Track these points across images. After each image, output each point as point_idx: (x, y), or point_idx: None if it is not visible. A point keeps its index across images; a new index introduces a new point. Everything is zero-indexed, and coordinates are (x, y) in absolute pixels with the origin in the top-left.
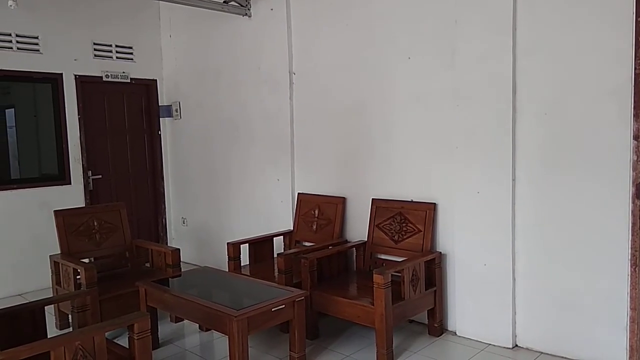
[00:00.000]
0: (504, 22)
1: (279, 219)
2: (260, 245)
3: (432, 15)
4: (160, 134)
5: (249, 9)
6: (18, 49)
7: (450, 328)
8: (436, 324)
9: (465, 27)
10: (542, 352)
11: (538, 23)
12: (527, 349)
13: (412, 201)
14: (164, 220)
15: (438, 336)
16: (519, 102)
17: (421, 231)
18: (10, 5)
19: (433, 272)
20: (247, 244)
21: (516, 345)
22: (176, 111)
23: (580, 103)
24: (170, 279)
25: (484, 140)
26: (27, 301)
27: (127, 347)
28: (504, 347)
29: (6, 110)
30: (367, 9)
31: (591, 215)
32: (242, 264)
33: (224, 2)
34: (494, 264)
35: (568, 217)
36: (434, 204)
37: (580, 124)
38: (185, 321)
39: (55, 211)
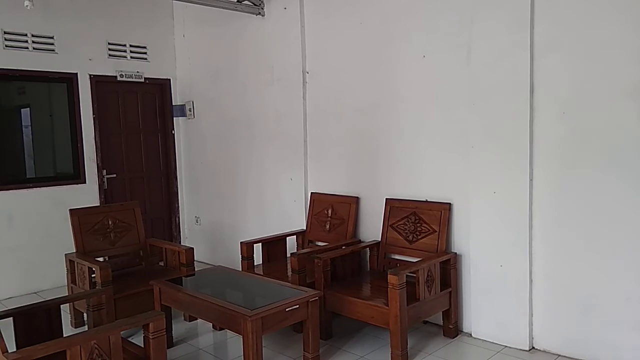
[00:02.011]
0: (521, 19)
1: (291, 218)
2: (273, 245)
3: (447, 12)
4: (173, 134)
5: (262, 8)
6: (34, 49)
7: (465, 329)
8: (451, 326)
9: (482, 25)
10: (559, 355)
11: (556, 20)
12: (544, 351)
13: (426, 201)
14: (177, 219)
15: (453, 338)
16: (536, 100)
17: (436, 231)
18: (27, 5)
19: (448, 273)
20: (260, 244)
21: (533, 348)
22: (189, 110)
23: (599, 102)
24: (183, 278)
25: (501, 140)
26: (43, 299)
27: (142, 346)
28: (521, 350)
29: (22, 110)
30: (381, 7)
31: (611, 215)
32: (255, 264)
33: (238, 1)
34: (511, 264)
35: (587, 217)
36: (449, 204)
37: (600, 123)
38: (199, 320)
39: (70, 210)
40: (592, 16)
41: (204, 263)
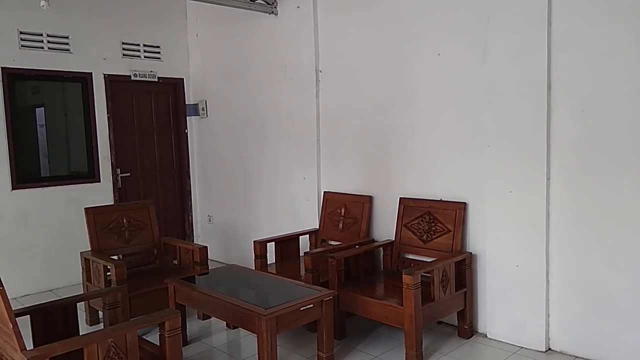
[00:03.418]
0: (538, 15)
1: (304, 217)
2: (287, 244)
3: (462, 9)
4: (186, 133)
5: (275, 7)
6: (49, 48)
7: (480, 330)
8: (466, 326)
9: (498, 22)
10: (576, 357)
11: (574, 16)
12: (561, 352)
13: (441, 200)
14: (190, 218)
15: (468, 338)
16: (554, 98)
17: (451, 231)
18: (43, 6)
19: (463, 273)
20: (273, 243)
21: (549, 349)
22: (202, 110)
23: (618, 99)
24: (197, 276)
25: (518, 138)
26: (58, 297)
27: (158, 344)
28: (537, 351)
29: (36, 109)
30: (395, 5)
31: (630, 215)
32: (267, 263)
33: (251, 0)
34: (527, 265)
35: (605, 217)
36: (464, 203)
37: (619, 121)
38: (212, 318)
39: (85, 208)
40: (611, 11)
41: (217, 262)
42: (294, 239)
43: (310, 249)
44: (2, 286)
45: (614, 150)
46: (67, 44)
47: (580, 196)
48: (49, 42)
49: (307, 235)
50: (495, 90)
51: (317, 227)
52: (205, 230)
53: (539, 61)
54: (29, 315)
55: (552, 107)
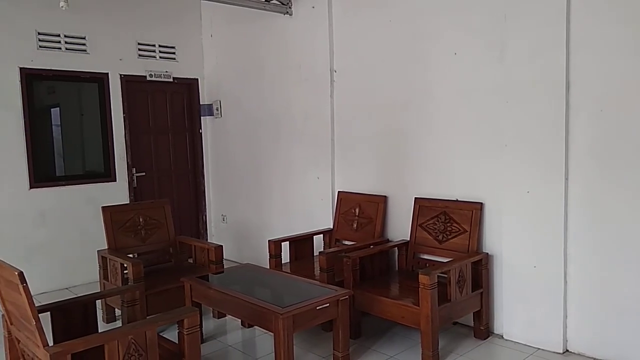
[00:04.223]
0: (556, 14)
1: (318, 217)
2: (301, 243)
3: (479, 8)
4: (201, 133)
5: (290, 7)
6: (66, 49)
7: (496, 331)
8: (482, 327)
9: (516, 21)
10: (594, 358)
11: (593, 15)
12: (579, 354)
13: (457, 200)
14: (204, 217)
15: (484, 339)
16: (572, 98)
17: (467, 231)
18: (62, 6)
19: (480, 274)
20: (287, 242)
21: (567, 351)
22: (217, 110)
23: (638, 99)
24: (213, 275)
25: (535, 138)
26: (75, 294)
27: (176, 342)
28: (554, 352)
29: (51, 109)
30: (411, 4)
31: None
32: (282, 262)
33: (266, 0)
34: (545, 265)
35: (625, 218)
36: (481, 203)
37: (639, 121)
38: (227, 317)
39: (103, 207)
40: (630, 10)
41: (230, 261)
42: (308, 238)
43: (324, 249)
44: (26, 283)
45: (634, 150)
46: (84, 44)
47: (599, 197)
48: (66, 42)
49: (321, 235)
50: (513, 90)
51: (331, 226)
52: (218, 229)
53: (557, 61)
54: (49, 312)
55: (570, 107)
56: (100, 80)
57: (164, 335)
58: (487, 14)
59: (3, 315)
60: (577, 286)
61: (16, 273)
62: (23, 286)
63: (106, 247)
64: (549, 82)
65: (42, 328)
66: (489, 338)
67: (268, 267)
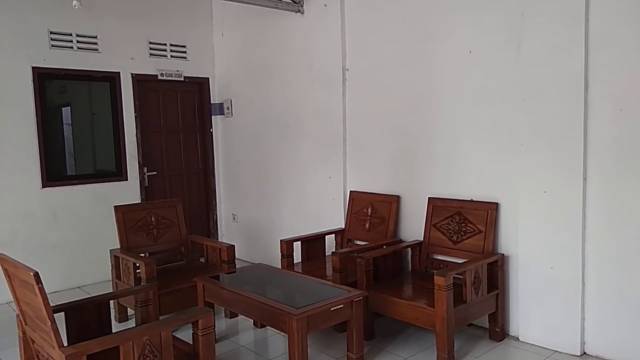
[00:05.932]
0: (575, 12)
1: (330, 216)
2: (313, 243)
3: (495, 6)
4: (212, 132)
5: (301, 6)
6: (78, 48)
7: (512, 333)
8: (498, 329)
9: (533, 19)
10: None
11: (613, 12)
12: (596, 357)
13: (472, 200)
14: (215, 217)
15: (500, 341)
16: (591, 97)
17: (482, 232)
18: (75, 5)
19: (495, 275)
20: (299, 242)
21: (584, 353)
22: (228, 109)
23: None
24: (225, 275)
25: (553, 138)
26: (87, 294)
27: (190, 342)
28: (572, 355)
29: (62, 108)
30: (424, 1)
31: None
32: (294, 262)
33: None
34: (562, 267)
35: None
36: (496, 203)
37: None
38: (239, 317)
39: (115, 207)
40: None
41: (241, 260)
42: (319, 238)
43: (336, 249)
44: (41, 283)
45: None
46: (95, 43)
47: (618, 197)
48: (78, 42)
49: (333, 235)
50: (530, 88)
51: (343, 226)
52: (229, 228)
53: (576, 59)
54: (63, 312)
55: (589, 106)
56: (111, 79)
57: (176, 335)
58: (503, 12)
59: (18, 316)
60: (595, 288)
61: (31, 273)
62: (39, 287)
63: (118, 247)
64: (567, 80)
65: (57, 329)
66: (504, 340)
67: (279, 266)
